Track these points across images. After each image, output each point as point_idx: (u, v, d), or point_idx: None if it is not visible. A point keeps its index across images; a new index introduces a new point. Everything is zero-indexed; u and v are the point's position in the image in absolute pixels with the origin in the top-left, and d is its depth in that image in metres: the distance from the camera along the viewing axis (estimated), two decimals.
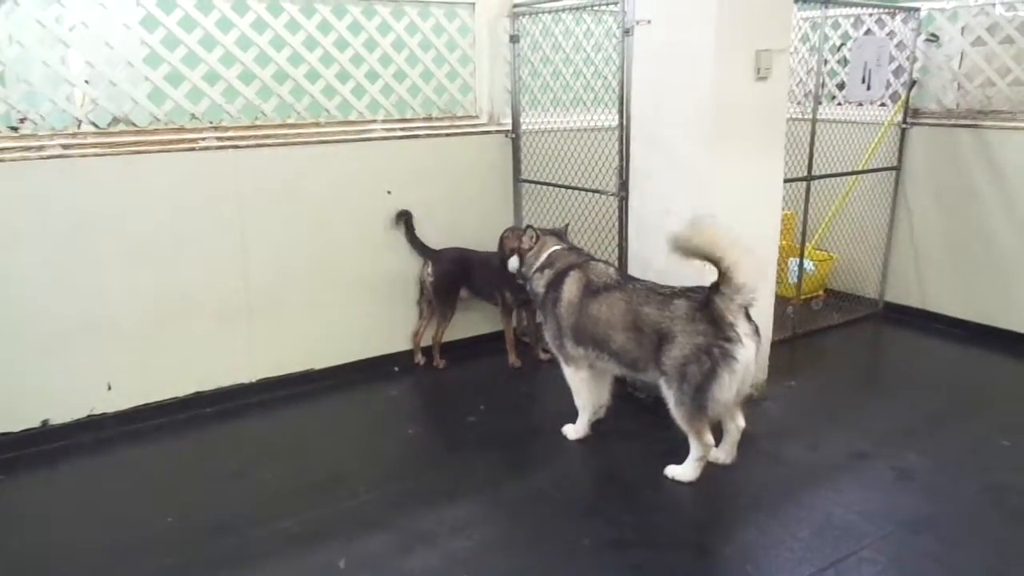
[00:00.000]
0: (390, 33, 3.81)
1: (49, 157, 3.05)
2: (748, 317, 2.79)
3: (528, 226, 3.36)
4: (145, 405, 3.40)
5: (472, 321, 4.23)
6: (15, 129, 3.08)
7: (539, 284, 3.25)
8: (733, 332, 2.73)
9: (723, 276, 2.70)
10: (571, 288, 3.11)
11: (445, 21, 3.95)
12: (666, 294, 2.92)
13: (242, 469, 3.07)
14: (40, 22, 3.03)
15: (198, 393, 3.52)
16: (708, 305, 2.76)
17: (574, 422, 3.27)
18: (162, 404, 3.44)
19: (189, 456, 3.21)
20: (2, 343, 3.08)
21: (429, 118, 4.00)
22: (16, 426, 3.15)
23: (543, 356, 4.05)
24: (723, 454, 2.99)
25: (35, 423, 3.19)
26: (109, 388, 3.32)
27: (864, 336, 4.64)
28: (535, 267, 3.28)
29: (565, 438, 3.24)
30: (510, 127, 4.15)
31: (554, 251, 3.27)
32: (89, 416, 3.29)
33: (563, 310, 3.11)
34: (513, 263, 3.39)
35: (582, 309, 3.06)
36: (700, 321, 2.77)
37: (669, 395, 2.85)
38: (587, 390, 3.20)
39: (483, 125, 4.13)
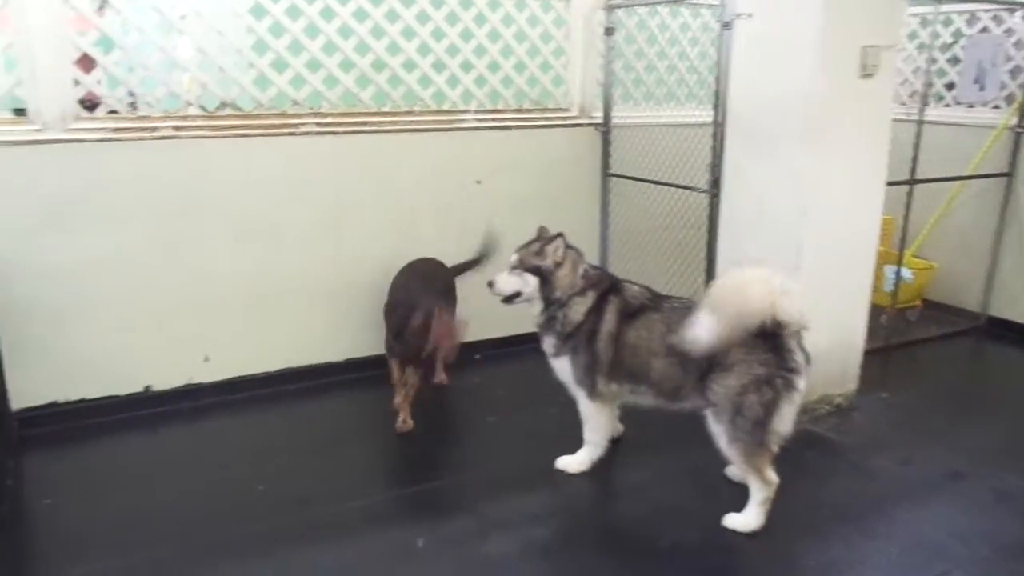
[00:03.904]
0: (486, 24, 3.84)
1: (162, 138, 3.22)
2: (801, 344, 2.55)
3: (560, 234, 2.82)
4: (239, 377, 3.55)
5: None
6: (133, 107, 3.26)
7: (578, 311, 2.79)
8: (795, 362, 2.50)
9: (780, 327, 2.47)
10: (611, 316, 2.75)
11: (540, 12, 3.96)
12: None
13: (327, 445, 3.17)
14: (158, 10, 3.19)
15: (287, 369, 3.65)
16: (767, 332, 2.47)
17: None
18: (255, 377, 3.58)
19: (279, 428, 3.34)
20: (114, 311, 3.26)
21: (520, 109, 4.01)
22: (123, 390, 3.35)
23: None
24: None
25: (139, 388, 3.37)
26: (206, 360, 3.48)
27: (964, 351, 4.41)
28: (576, 289, 2.81)
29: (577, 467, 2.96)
30: (601, 120, 4.12)
31: (587, 269, 2.87)
32: (187, 385, 3.46)
33: (601, 344, 2.76)
34: (511, 284, 2.86)
35: (620, 339, 2.74)
36: (760, 349, 2.49)
37: (721, 431, 2.57)
38: (607, 425, 2.94)
39: (574, 118, 4.12)
